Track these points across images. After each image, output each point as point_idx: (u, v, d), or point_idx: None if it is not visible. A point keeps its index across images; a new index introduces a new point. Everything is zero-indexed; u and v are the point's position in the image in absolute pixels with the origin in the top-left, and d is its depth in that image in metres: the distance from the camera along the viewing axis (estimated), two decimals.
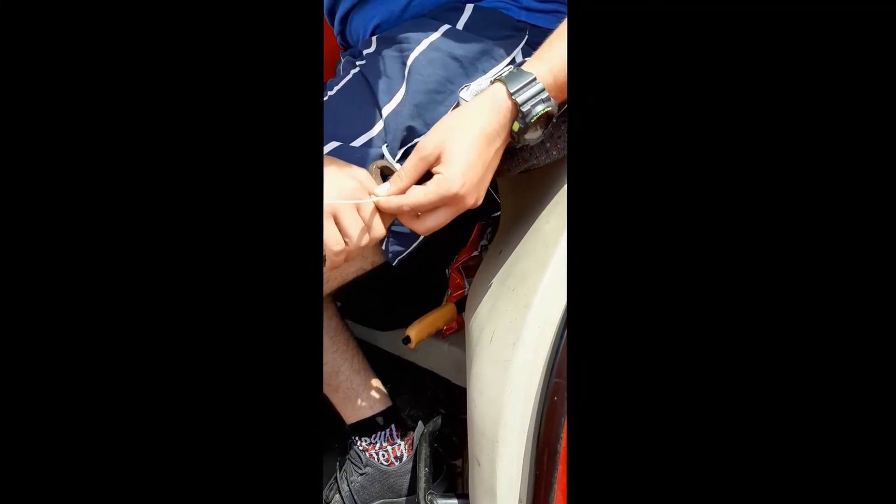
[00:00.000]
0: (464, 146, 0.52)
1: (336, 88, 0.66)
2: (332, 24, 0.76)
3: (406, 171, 0.54)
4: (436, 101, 0.61)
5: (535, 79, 0.53)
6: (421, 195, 0.52)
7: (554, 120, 0.57)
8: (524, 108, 0.53)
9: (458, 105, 0.61)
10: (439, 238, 0.71)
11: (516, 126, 0.54)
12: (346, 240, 0.53)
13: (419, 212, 0.54)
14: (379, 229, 0.55)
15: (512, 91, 0.53)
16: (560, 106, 0.56)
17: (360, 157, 0.59)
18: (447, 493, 0.72)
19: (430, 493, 0.71)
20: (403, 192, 0.54)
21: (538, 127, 0.55)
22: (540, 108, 0.53)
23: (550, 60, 0.54)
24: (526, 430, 0.55)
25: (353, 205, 0.53)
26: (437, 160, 0.53)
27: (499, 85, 0.54)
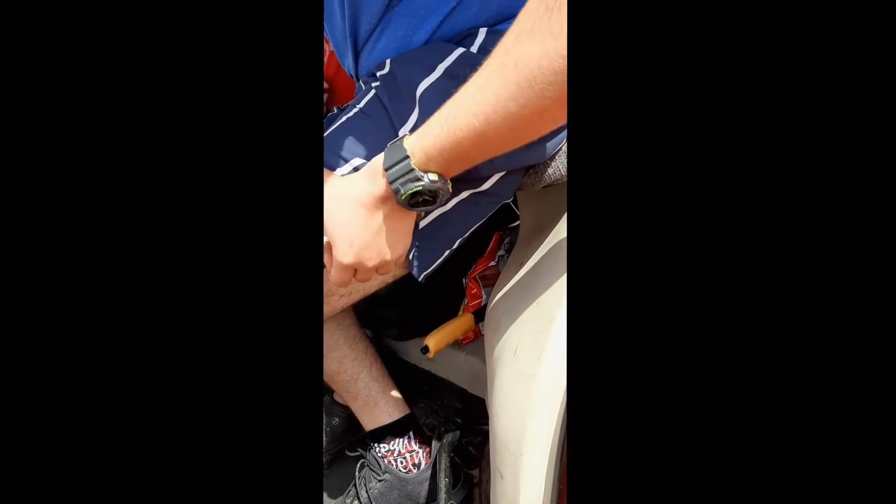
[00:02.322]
0: (342, 223, 0.56)
1: (357, 108, 0.67)
2: (342, 62, 0.76)
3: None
4: None
5: (406, 157, 0.52)
6: (334, 276, 0.58)
7: (445, 193, 0.55)
8: (393, 187, 0.53)
9: None
10: (457, 248, 0.71)
11: (398, 199, 0.54)
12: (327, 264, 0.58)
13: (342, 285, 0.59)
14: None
15: (385, 167, 0.53)
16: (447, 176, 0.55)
17: None
18: (466, 503, 0.73)
19: (451, 503, 0.72)
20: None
21: (421, 199, 0.54)
22: (410, 188, 0.52)
23: (424, 137, 0.52)
24: (550, 444, 0.55)
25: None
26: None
27: (381, 156, 0.55)
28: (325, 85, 1.02)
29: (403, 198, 0.53)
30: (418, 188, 0.53)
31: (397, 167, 0.53)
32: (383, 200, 0.55)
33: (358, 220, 0.55)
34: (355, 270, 0.58)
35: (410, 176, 0.52)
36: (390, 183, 0.53)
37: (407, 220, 0.59)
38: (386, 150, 0.54)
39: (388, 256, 0.58)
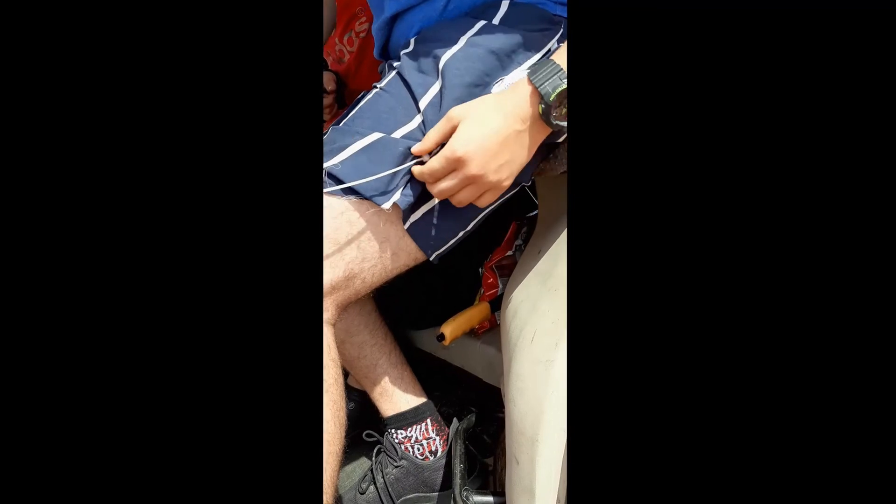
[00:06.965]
0: (477, 118, 0.57)
1: (378, 87, 0.67)
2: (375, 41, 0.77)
3: (431, 132, 0.59)
4: (473, 94, 0.62)
5: (552, 63, 0.56)
6: (434, 161, 0.58)
7: None
8: (542, 89, 0.56)
9: None
10: (474, 236, 0.72)
11: (540, 108, 0.57)
12: None
13: (434, 178, 0.59)
14: None
15: (532, 77, 0.57)
16: None
17: (403, 150, 0.61)
18: (482, 490, 0.73)
19: (466, 489, 0.72)
20: (428, 150, 0.60)
21: (561, 104, 0.57)
22: (559, 84, 0.56)
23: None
24: (566, 430, 0.55)
25: None
26: (455, 128, 0.58)
27: (523, 76, 0.58)
28: (333, 87, 1.03)
29: (554, 97, 0.56)
30: (564, 86, 0.55)
31: (543, 72, 0.56)
32: (519, 115, 0.58)
33: (490, 122, 0.57)
34: (458, 174, 0.58)
35: (561, 74, 0.56)
36: (538, 87, 0.56)
37: (525, 147, 0.60)
38: (529, 68, 0.58)
39: (499, 177, 0.59)
